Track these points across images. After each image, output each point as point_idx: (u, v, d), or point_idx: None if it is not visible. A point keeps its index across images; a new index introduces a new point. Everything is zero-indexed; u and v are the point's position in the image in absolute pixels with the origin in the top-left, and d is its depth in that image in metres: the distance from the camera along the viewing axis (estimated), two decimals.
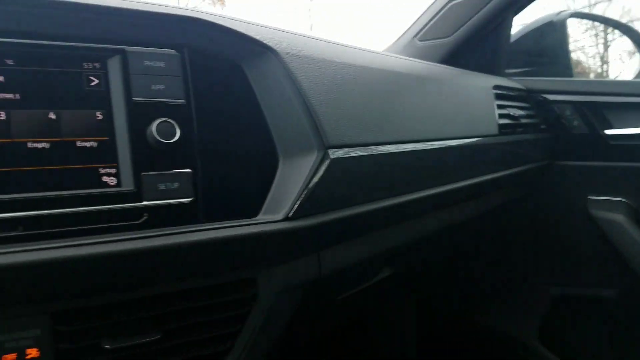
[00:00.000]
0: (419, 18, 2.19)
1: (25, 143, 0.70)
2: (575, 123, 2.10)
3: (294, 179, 0.91)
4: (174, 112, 0.81)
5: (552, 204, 2.14)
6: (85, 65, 0.77)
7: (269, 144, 0.93)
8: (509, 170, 1.76)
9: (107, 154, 0.76)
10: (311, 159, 0.92)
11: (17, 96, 0.71)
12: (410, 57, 1.78)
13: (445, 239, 1.79)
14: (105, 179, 0.75)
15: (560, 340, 2.12)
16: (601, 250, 2.02)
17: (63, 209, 0.71)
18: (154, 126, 0.77)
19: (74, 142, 0.74)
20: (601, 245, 2.00)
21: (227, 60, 0.91)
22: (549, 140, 2.08)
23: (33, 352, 0.71)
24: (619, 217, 1.95)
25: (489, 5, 1.99)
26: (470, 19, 2.04)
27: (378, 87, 1.12)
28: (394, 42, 2.24)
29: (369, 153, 1.02)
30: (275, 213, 0.88)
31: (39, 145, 0.71)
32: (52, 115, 0.73)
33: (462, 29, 2.05)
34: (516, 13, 2.17)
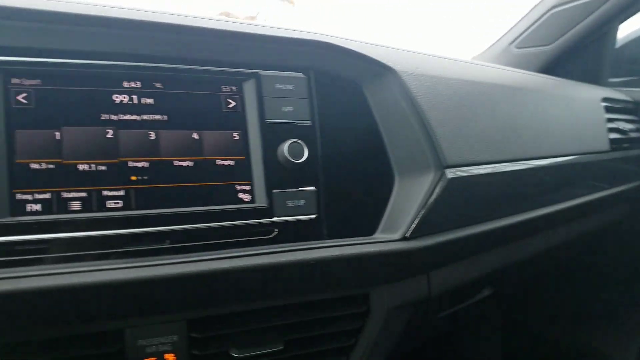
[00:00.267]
0: (515, 25, 2.10)
1: (172, 161, 0.75)
2: None
3: (410, 198, 0.90)
4: (302, 133, 0.84)
5: None
6: (223, 88, 0.81)
7: (385, 162, 0.92)
8: (618, 188, 1.64)
9: (242, 172, 0.79)
10: (428, 179, 0.91)
11: (165, 117, 0.76)
12: (506, 64, 1.71)
13: (547, 259, 1.69)
14: (241, 195, 0.79)
15: None
16: None
17: (204, 223, 0.75)
18: (285, 146, 0.79)
19: (214, 160, 0.78)
20: None
21: (346, 81, 0.92)
22: None
23: (170, 357, 0.75)
24: None
25: (594, 15, 1.87)
26: (573, 27, 1.92)
27: (493, 103, 1.09)
28: (487, 49, 2.16)
29: (485, 172, 0.99)
30: (392, 232, 0.88)
31: (184, 164, 0.76)
32: (195, 136, 0.77)
33: (564, 37, 1.94)
34: (622, 21, 2.02)
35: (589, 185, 1.43)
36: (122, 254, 0.69)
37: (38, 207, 0.65)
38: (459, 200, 0.95)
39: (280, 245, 0.78)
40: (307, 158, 0.81)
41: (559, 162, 1.23)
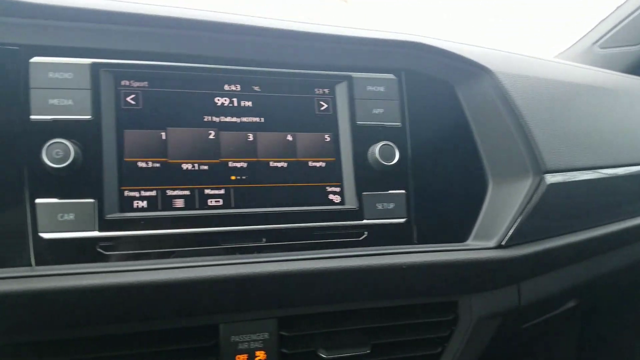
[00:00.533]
0: (598, 25, 1.96)
1: (268, 162, 0.75)
2: None
3: (506, 204, 0.85)
4: (392, 135, 0.81)
5: None
6: (316, 90, 0.80)
7: (478, 166, 0.87)
8: None
9: (333, 173, 0.78)
10: (525, 184, 0.85)
11: (262, 120, 0.76)
12: (589, 64, 1.58)
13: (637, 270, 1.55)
14: (331, 197, 0.77)
15: None
16: None
17: (297, 223, 0.74)
18: (377, 148, 0.77)
19: (307, 162, 0.77)
20: None
21: (438, 82, 0.88)
22: None
23: (261, 355, 0.75)
24: None
25: None
26: None
27: (591, 105, 1.00)
28: (568, 49, 2.02)
29: (585, 178, 0.91)
30: (487, 239, 0.83)
31: (279, 164, 0.76)
32: (289, 137, 0.77)
33: None
34: None
35: None
36: (222, 251, 0.69)
37: (144, 204, 0.67)
38: (557, 207, 0.88)
39: (371, 248, 0.76)
40: (397, 160, 0.78)
41: None
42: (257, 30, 0.74)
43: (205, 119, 0.73)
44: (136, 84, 0.71)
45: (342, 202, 0.78)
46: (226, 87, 0.75)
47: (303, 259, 0.69)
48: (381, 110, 0.81)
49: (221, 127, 0.73)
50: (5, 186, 0.62)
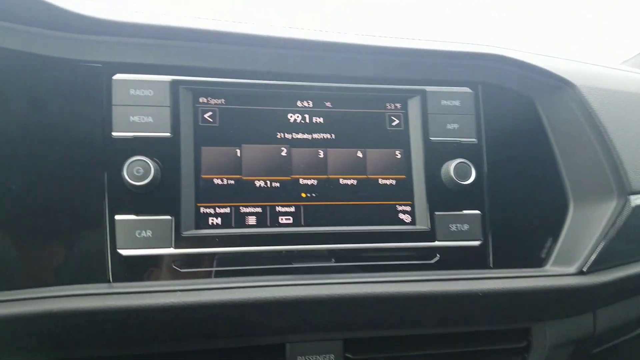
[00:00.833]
0: None
1: (338, 179, 0.72)
2: None
3: (588, 227, 0.77)
4: (468, 152, 0.76)
5: None
6: (388, 105, 0.76)
7: (558, 186, 0.80)
8: None
9: (404, 192, 0.74)
10: (609, 206, 0.77)
11: (333, 136, 0.73)
12: None
13: None
14: (401, 216, 0.73)
15: None
16: None
17: (366, 243, 0.71)
18: (451, 166, 0.72)
19: (377, 179, 0.74)
20: None
21: (517, 95, 0.81)
22: None
23: None
24: None
25: None
26: None
27: None
28: (633, 58, 1.85)
29: None
30: (567, 265, 0.76)
31: (348, 182, 0.73)
32: (359, 154, 0.74)
33: None
34: None
35: None
36: (292, 270, 0.67)
37: (219, 220, 0.66)
38: None
39: (444, 272, 0.71)
40: (474, 179, 0.73)
41: None
42: (331, 46, 0.71)
43: (278, 136, 0.71)
44: (213, 101, 0.70)
45: (412, 222, 0.73)
46: (299, 104, 0.72)
47: (373, 282, 0.66)
48: (456, 126, 0.76)
49: (293, 143, 0.71)
50: (86, 202, 0.62)
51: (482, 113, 0.78)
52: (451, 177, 0.72)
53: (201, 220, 0.66)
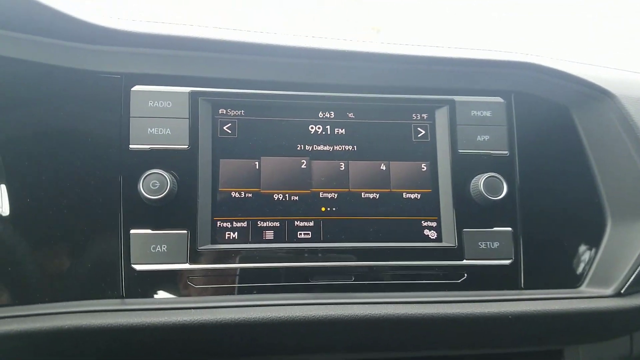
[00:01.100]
0: None
1: (360, 193, 0.68)
2: None
3: (627, 246, 0.70)
4: (499, 166, 0.70)
5: None
6: (414, 116, 0.71)
7: (596, 202, 0.74)
8: None
9: (430, 206, 0.69)
10: None
11: (355, 148, 0.69)
12: None
13: None
14: (427, 232, 0.68)
15: None
16: None
17: (388, 261, 0.66)
18: (481, 180, 0.67)
19: (401, 193, 0.69)
20: None
21: (552, 106, 0.75)
22: None
23: None
24: None
25: None
26: None
27: None
28: None
29: None
30: (604, 286, 0.69)
31: (371, 196, 0.68)
32: (382, 167, 0.69)
33: None
34: None
35: None
36: (310, 288, 0.63)
37: (235, 235, 0.63)
38: None
39: (472, 293, 0.66)
40: (505, 194, 0.67)
41: None
42: (354, 55, 0.67)
43: (298, 148, 0.67)
44: (233, 112, 0.66)
45: (438, 239, 0.68)
46: (320, 115, 0.68)
47: (395, 302, 0.61)
48: (487, 137, 0.71)
49: (313, 156, 0.67)
50: (101, 215, 0.60)
51: (515, 124, 0.72)
52: (481, 191, 0.67)
53: (218, 235, 0.63)
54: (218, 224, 0.63)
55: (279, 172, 0.66)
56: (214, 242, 0.62)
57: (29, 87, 0.61)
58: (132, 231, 0.60)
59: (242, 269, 0.62)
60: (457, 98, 0.71)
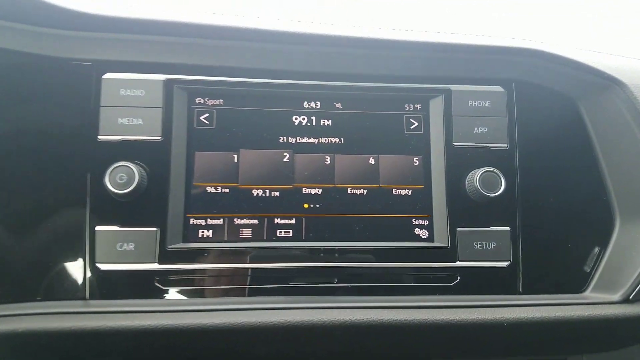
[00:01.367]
0: None
1: (346, 189, 0.62)
2: None
3: (636, 248, 0.64)
4: (497, 160, 0.64)
5: None
6: (406, 106, 0.65)
7: (602, 200, 0.67)
8: None
9: (421, 203, 0.63)
10: None
11: (342, 140, 0.63)
12: None
13: None
14: (417, 231, 0.63)
15: None
16: None
17: (374, 263, 0.60)
18: (477, 175, 0.60)
19: (390, 189, 0.63)
20: None
21: (557, 95, 0.68)
22: None
23: None
24: None
25: None
26: None
27: None
28: None
29: None
30: (610, 292, 0.63)
31: (358, 192, 0.62)
32: (371, 161, 0.63)
33: None
34: None
35: None
36: (289, 290, 0.58)
37: (210, 233, 0.58)
38: None
39: (465, 297, 0.60)
40: (503, 190, 0.61)
41: None
42: (342, 41, 0.61)
43: (281, 140, 0.61)
44: (210, 102, 0.61)
45: (430, 239, 0.62)
46: (305, 105, 0.63)
47: (381, 307, 0.55)
48: (484, 129, 0.65)
49: (297, 148, 0.61)
50: (66, 211, 0.55)
51: (516, 115, 0.66)
52: (476, 187, 0.61)
53: (190, 233, 0.58)
54: (191, 221, 0.58)
55: (258, 165, 0.60)
56: (185, 240, 0.57)
57: None
58: (97, 228, 0.55)
59: (215, 270, 0.57)
60: (453, 87, 0.65)
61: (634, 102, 0.64)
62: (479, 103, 0.65)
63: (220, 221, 0.58)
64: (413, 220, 0.63)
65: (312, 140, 0.62)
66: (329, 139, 0.63)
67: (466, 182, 0.62)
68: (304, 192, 0.61)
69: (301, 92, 0.63)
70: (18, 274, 0.53)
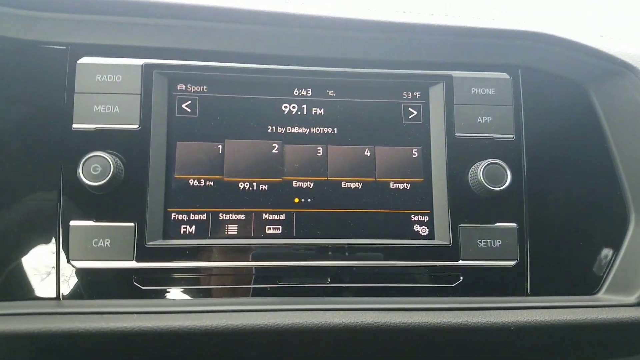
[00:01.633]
0: None
1: (340, 182, 0.59)
2: None
3: None
4: (502, 151, 0.60)
5: None
6: (404, 94, 0.62)
7: (615, 195, 0.63)
8: None
9: (421, 198, 0.59)
10: None
11: (335, 130, 0.60)
12: None
13: None
14: (417, 228, 0.59)
15: None
16: None
17: (371, 261, 0.57)
18: (481, 168, 0.57)
19: (387, 183, 0.59)
20: None
21: (566, 82, 0.65)
22: None
23: None
24: None
25: None
26: None
27: None
28: None
29: None
30: (624, 293, 0.59)
31: (352, 186, 0.59)
32: (367, 152, 0.60)
33: None
34: None
35: None
36: (277, 290, 0.55)
37: (192, 229, 0.55)
38: None
39: (468, 299, 0.56)
40: (509, 184, 0.57)
41: None
42: (335, 23, 0.58)
43: (269, 130, 0.58)
44: (193, 89, 0.58)
45: (430, 236, 0.59)
46: (295, 92, 0.59)
47: (377, 309, 0.52)
48: (489, 119, 0.61)
49: (286, 139, 0.58)
50: (38, 205, 0.52)
51: (522, 104, 0.62)
52: (480, 181, 0.57)
53: (171, 229, 0.54)
54: (172, 216, 0.55)
55: (245, 157, 0.57)
56: (166, 236, 0.54)
57: None
58: (71, 223, 0.52)
59: (198, 268, 0.53)
60: (455, 74, 0.61)
61: None
62: (483, 91, 0.61)
63: (203, 216, 0.55)
64: (412, 216, 0.59)
65: (303, 130, 0.59)
66: (321, 128, 0.59)
67: (469, 175, 0.59)
68: (294, 185, 0.57)
69: (291, 78, 0.59)
70: None
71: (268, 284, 0.54)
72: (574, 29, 0.65)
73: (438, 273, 0.58)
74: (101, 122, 0.54)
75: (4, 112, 0.53)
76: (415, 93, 0.62)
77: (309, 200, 0.57)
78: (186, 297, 0.53)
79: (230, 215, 0.56)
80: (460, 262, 0.58)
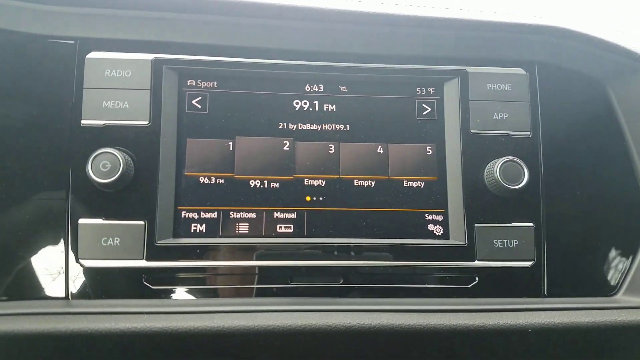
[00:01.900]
0: None
1: (352, 180, 0.58)
2: None
3: None
4: (519, 149, 0.60)
5: None
6: (418, 90, 0.61)
7: (635, 193, 0.62)
8: None
9: (435, 197, 0.59)
10: None
11: (347, 127, 0.59)
12: None
13: None
14: (431, 227, 0.58)
15: None
16: None
17: (384, 260, 0.56)
18: (497, 166, 0.56)
19: (401, 181, 0.59)
20: None
21: (584, 78, 0.64)
22: None
23: None
24: None
25: None
26: None
27: None
28: None
29: None
30: None
31: (365, 184, 0.58)
32: (380, 150, 0.59)
33: None
34: None
35: None
36: (289, 291, 0.54)
37: (203, 227, 0.54)
38: None
39: (484, 300, 0.56)
40: (526, 183, 0.57)
41: None
42: (348, 16, 0.57)
43: (280, 126, 0.58)
44: (203, 84, 0.58)
45: (445, 235, 0.58)
46: (307, 88, 0.59)
47: (391, 310, 0.51)
48: (505, 115, 0.60)
49: (298, 136, 0.58)
50: (47, 203, 0.52)
51: (539, 100, 0.62)
52: (497, 179, 0.56)
53: (181, 227, 0.54)
54: (182, 215, 0.54)
55: (256, 154, 0.56)
56: (176, 235, 0.54)
57: None
58: (80, 221, 0.52)
59: (208, 268, 0.53)
60: (470, 69, 0.61)
61: None
62: (499, 86, 0.61)
63: (214, 215, 0.54)
64: (426, 215, 0.58)
65: (314, 126, 0.58)
66: (333, 125, 0.59)
67: (485, 173, 0.58)
68: (305, 183, 0.57)
69: (303, 73, 0.59)
70: None
71: (280, 284, 0.54)
72: (590, 24, 0.64)
73: (453, 274, 0.57)
74: (110, 118, 0.54)
75: (11, 108, 0.53)
76: (429, 89, 0.61)
77: (321, 198, 0.57)
78: (196, 297, 0.53)
79: (241, 213, 0.55)
80: (476, 263, 0.57)
